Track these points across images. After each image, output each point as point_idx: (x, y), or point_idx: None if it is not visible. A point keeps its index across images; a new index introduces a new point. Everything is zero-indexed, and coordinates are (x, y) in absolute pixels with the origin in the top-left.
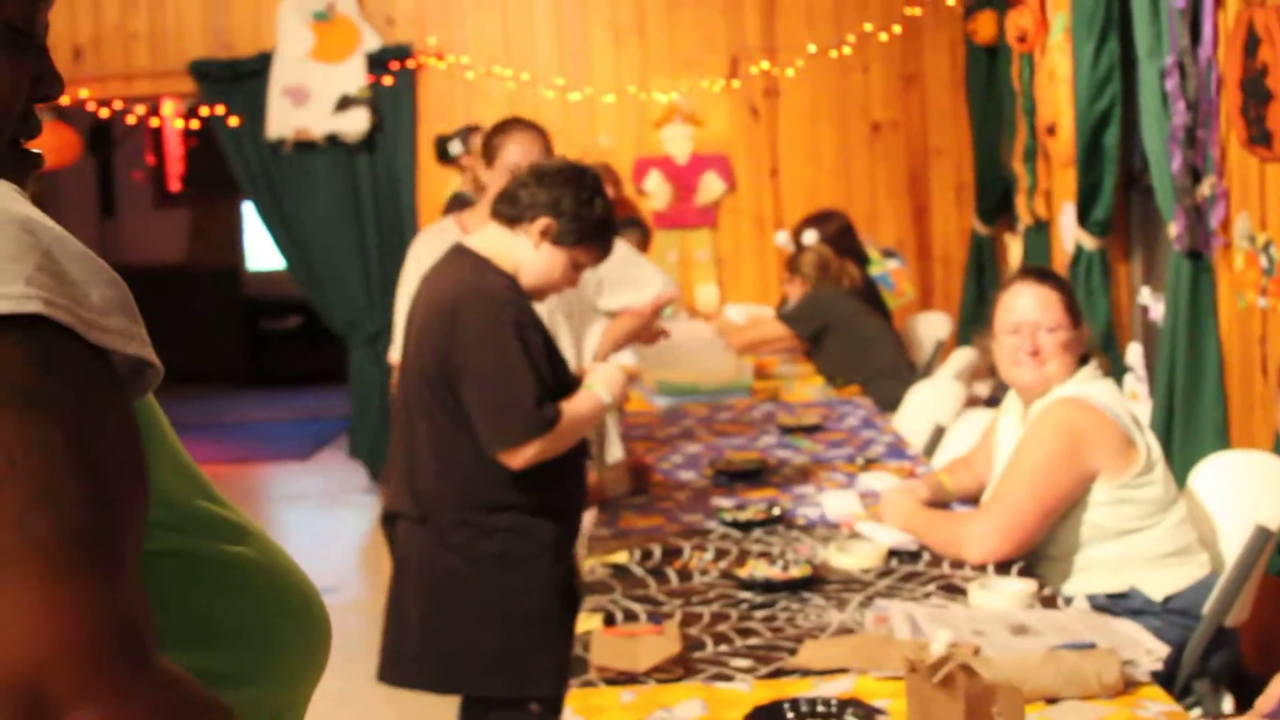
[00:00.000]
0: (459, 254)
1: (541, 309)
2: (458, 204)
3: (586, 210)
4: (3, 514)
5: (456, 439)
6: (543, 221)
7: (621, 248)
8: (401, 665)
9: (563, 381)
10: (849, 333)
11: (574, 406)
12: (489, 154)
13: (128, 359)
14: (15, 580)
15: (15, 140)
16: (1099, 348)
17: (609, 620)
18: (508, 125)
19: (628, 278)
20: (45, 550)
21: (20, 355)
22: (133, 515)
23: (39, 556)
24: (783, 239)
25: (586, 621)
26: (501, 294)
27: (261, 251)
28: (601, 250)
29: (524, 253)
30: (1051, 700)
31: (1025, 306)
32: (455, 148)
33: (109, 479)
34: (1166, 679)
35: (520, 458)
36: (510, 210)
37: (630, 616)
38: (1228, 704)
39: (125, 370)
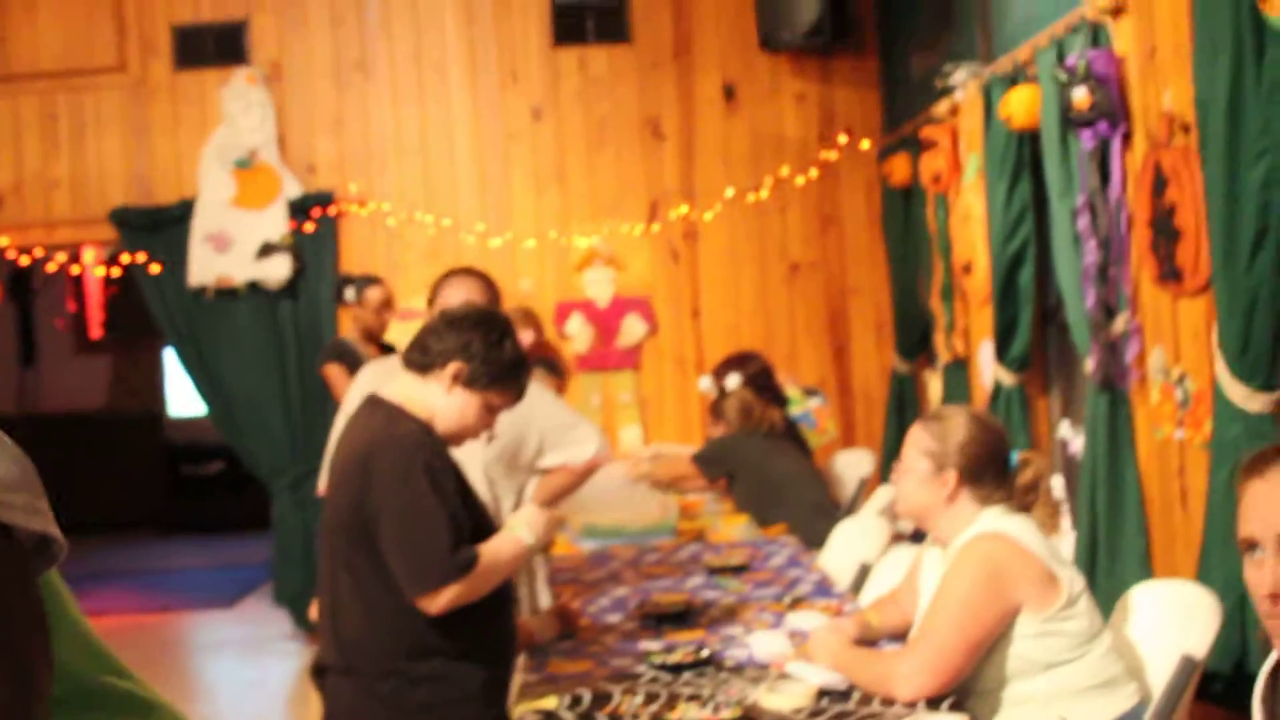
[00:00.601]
0: (373, 404)
1: (476, 466)
2: (334, 351)
3: (496, 352)
4: None
5: (377, 587)
6: (453, 366)
7: (562, 409)
8: None
9: (482, 525)
10: (758, 476)
11: (494, 548)
12: (430, 298)
13: (32, 535)
14: None
15: None
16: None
17: None
18: (453, 274)
19: (566, 439)
20: None
21: None
22: (41, 691)
23: None
24: (705, 384)
25: None
26: (412, 439)
27: (183, 397)
28: (514, 392)
29: (437, 399)
30: None
31: (907, 436)
32: (349, 294)
33: (20, 654)
34: None
35: (438, 602)
36: (421, 358)
37: None
38: None
39: (29, 546)
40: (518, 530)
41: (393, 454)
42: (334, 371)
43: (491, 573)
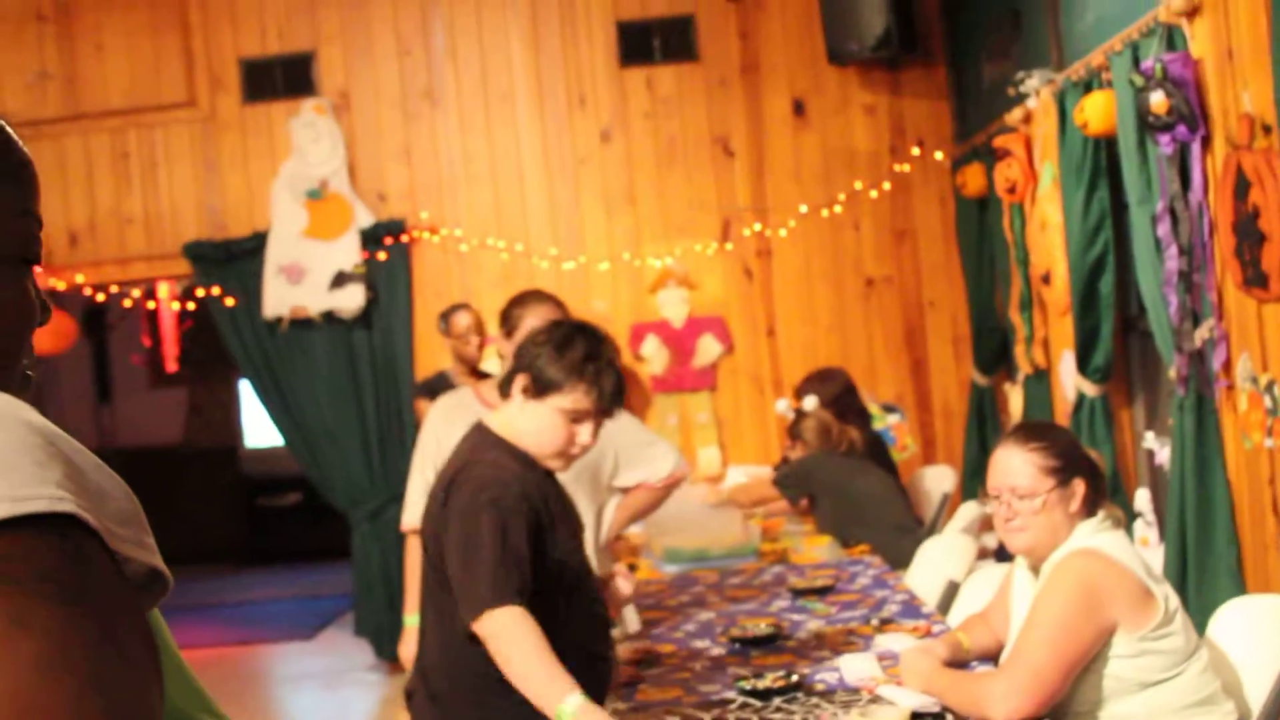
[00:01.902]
0: (475, 432)
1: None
2: (424, 386)
3: (556, 355)
4: (57, 700)
5: (452, 616)
6: (521, 379)
7: (637, 427)
8: None
9: (565, 563)
10: (841, 496)
11: (532, 648)
12: (508, 326)
13: (140, 568)
14: None
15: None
16: (1108, 496)
17: None
18: (525, 297)
19: (643, 456)
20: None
21: (57, 551)
22: (157, 712)
23: None
24: (783, 406)
25: None
26: (492, 473)
27: (259, 429)
28: (583, 391)
29: (520, 420)
30: None
31: (1001, 470)
32: (440, 324)
33: (141, 671)
34: None
35: (481, 632)
36: (504, 384)
37: None
38: None
39: (137, 580)
40: (565, 709)
41: (468, 486)
42: (421, 406)
43: (510, 645)
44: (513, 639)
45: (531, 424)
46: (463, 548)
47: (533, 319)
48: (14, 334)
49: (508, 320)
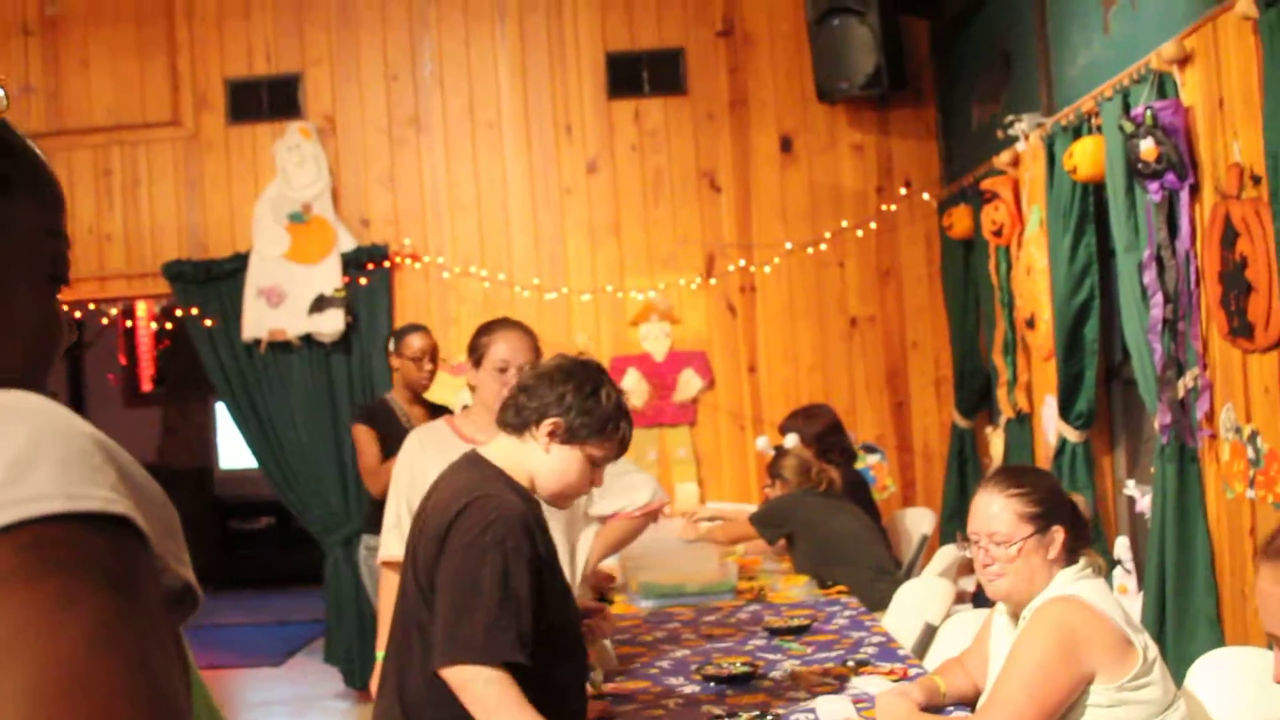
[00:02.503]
0: (471, 463)
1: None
2: (364, 412)
3: (593, 402)
4: (109, 676)
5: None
6: (550, 423)
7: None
8: None
9: (556, 620)
10: (818, 535)
11: (513, 715)
12: (476, 354)
13: (176, 581)
14: None
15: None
16: (1090, 543)
17: None
18: (494, 325)
19: (620, 485)
20: (144, 705)
21: (108, 545)
22: (189, 711)
23: (139, 711)
24: (763, 444)
25: None
26: (501, 510)
27: (234, 451)
28: (616, 440)
29: (536, 459)
30: None
31: (980, 515)
32: (391, 345)
33: (178, 669)
34: None
35: (450, 679)
36: (515, 419)
37: None
38: None
39: (172, 593)
40: None
41: (475, 519)
42: (361, 434)
43: (488, 707)
44: (501, 699)
45: (555, 467)
46: (461, 590)
47: (502, 346)
48: (43, 353)
49: (475, 349)
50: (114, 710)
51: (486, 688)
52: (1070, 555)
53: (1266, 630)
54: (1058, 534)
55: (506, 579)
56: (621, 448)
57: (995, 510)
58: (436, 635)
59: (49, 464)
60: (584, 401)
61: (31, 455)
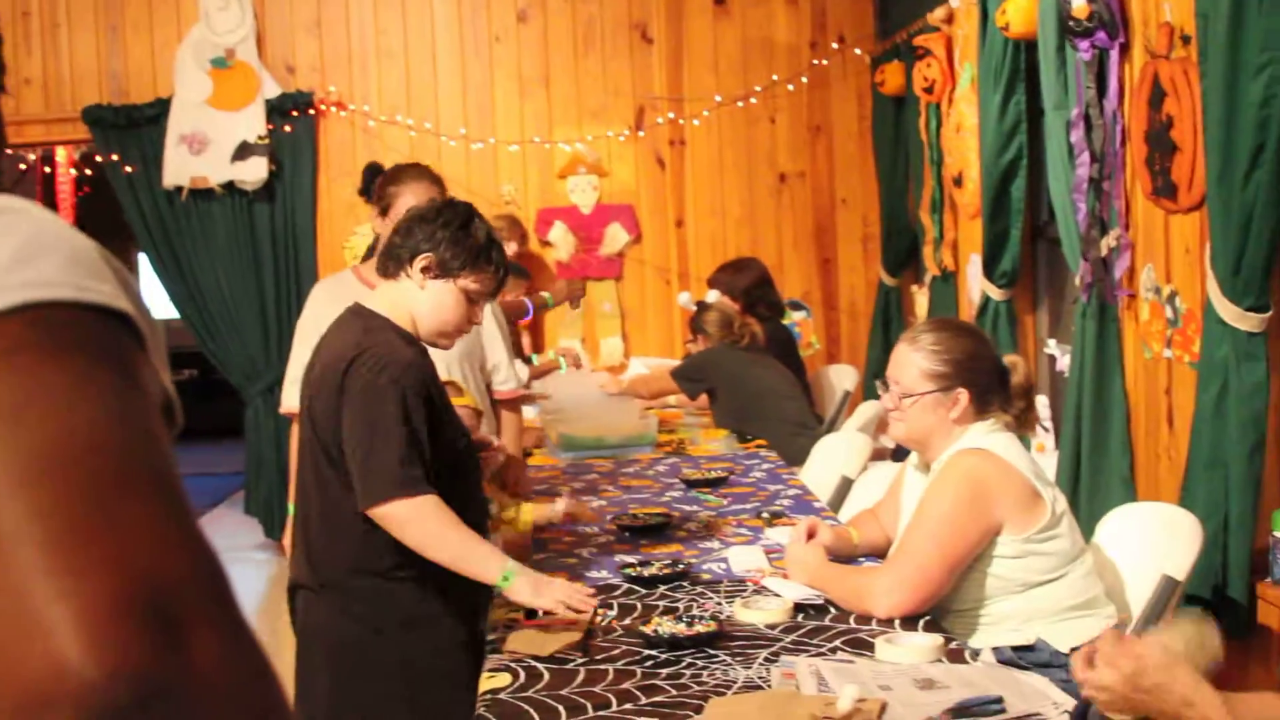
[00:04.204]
0: (355, 314)
1: (442, 362)
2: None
3: (463, 234)
4: (127, 442)
5: (347, 502)
6: (423, 259)
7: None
8: None
9: (463, 455)
10: (739, 390)
11: (460, 533)
12: (382, 203)
13: (162, 392)
14: (138, 498)
15: None
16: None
17: (514, 674)
18: (401, 173)
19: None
20: (161, 479)
21: (116, 340)
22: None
23: (158, 483)
24: (684, 299)
25: (489, 681)
26: (391, 354)
27: (155, 302)
28: (492, 275)
29: (413, 298)
30: None
31: (893, 361)
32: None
33: (168, 469)
34: None
35: (386, 518)
36: (392, 263)
37: (533, 675)
38: None
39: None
40: (507, 575)
41: (368, 366)
42: None
43: (438, 531)
44: (439, 522)
45: (431, 304)
46: (367, 432)
47: (410, 198)
48: None
49: (382, 197)
50: (129, 478)
51: (423, 519)
52: (980, 416)
53: None
54: (961, 396)
55: (408, 417)
56: (497, 283)
57: (903, 361)
58: (356, 482)
59: (57, 257)
60: (455, 234)
61: (39, 247)
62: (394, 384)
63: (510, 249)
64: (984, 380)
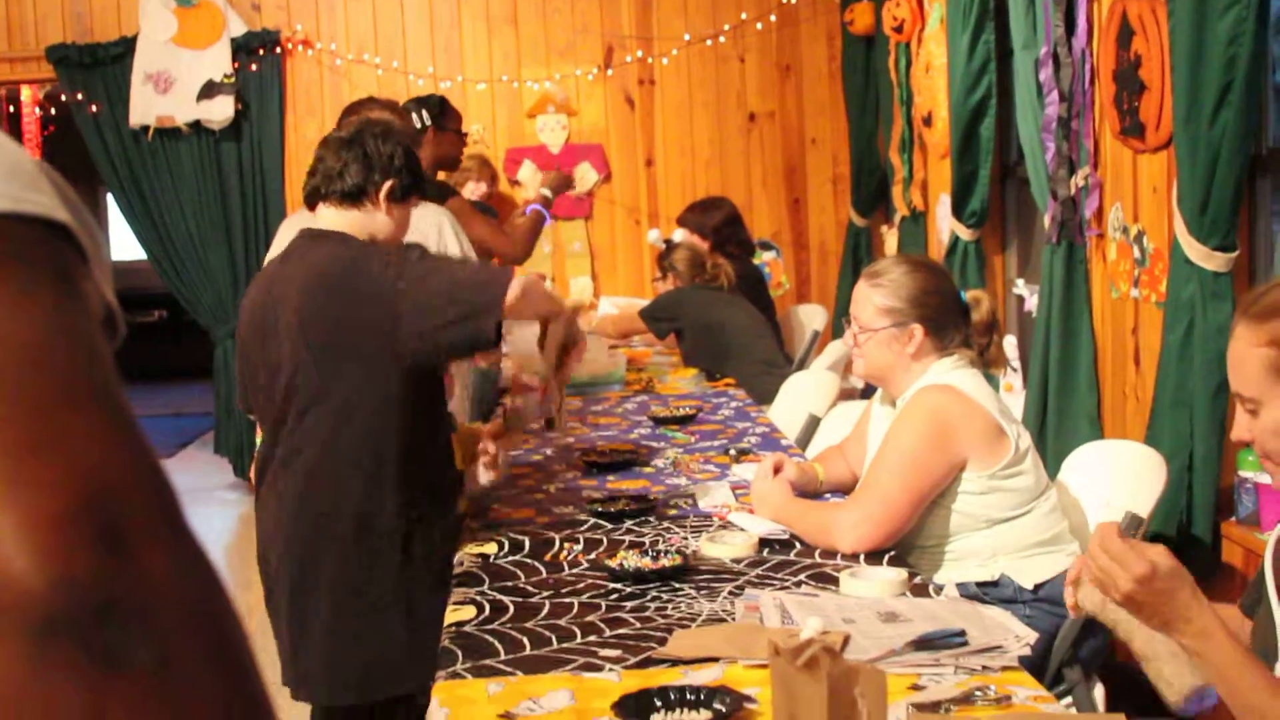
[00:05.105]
0: (317, 237)
1: None
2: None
3: (411, 159)
4: (71, 359)
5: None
6: (387, 185)
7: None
8: (309, 683)
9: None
10: (707, 329)
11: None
12: None
13: (103, 304)
14: (82, 410)
15: None
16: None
17: (479, 608)
18: (361, 106)
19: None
20: (105, 392)
21: (56, 252)
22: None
23: (102, 396)
24: (653, 237)
25: (455, 613)
26: (378, 245)
27: (122, 243)
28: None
29: (378, 223)
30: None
31: (853, 298)
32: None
33: (117, 396)
34: (1037, 667)
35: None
36: (345, 186)
37: (498, 608)
38: (1098, 692)
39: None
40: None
41: (377, 256)
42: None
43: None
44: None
45: (394, 228)
46: (434, 273)
47: None
48: None
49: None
50: (72, 390)
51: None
52: (942, 351)
53: (1234, 390)
54: (916, 331)
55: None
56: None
57: (861, 298)
58: (466, 298)
59: None
60: (408, 158)
61: None
62: (414, 249)
63: (480, 189)
64: (940, 316)
